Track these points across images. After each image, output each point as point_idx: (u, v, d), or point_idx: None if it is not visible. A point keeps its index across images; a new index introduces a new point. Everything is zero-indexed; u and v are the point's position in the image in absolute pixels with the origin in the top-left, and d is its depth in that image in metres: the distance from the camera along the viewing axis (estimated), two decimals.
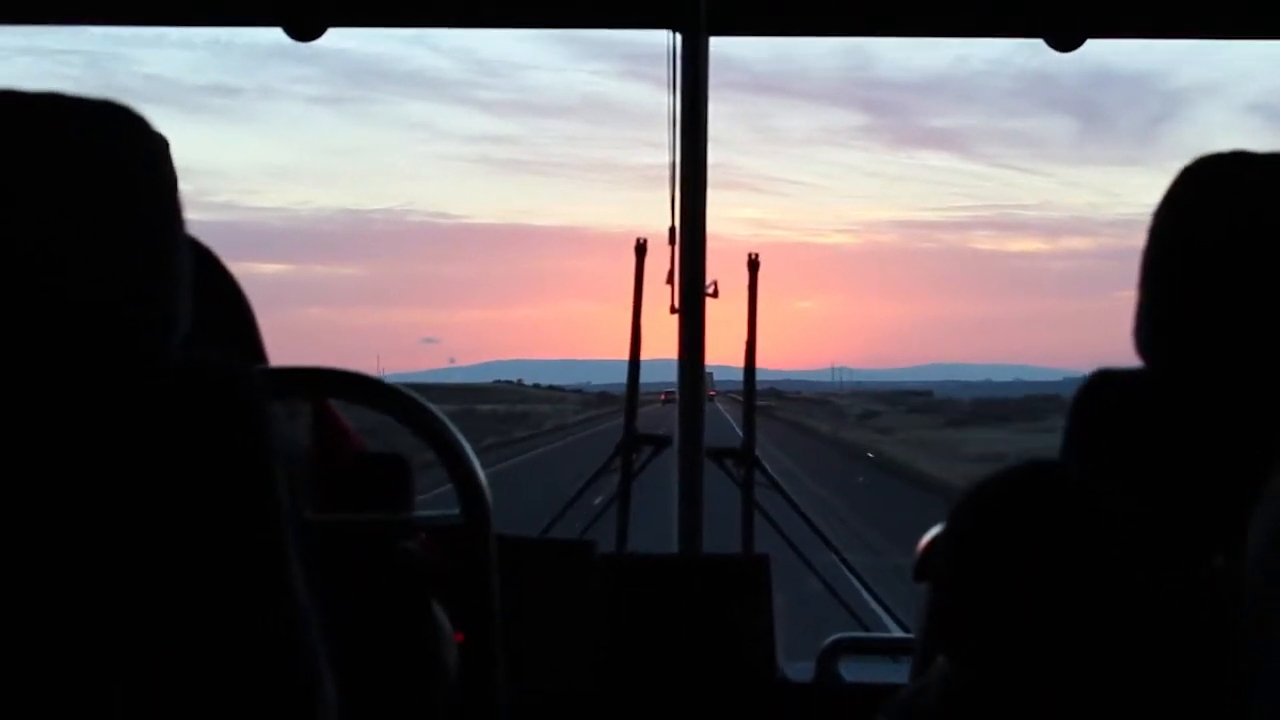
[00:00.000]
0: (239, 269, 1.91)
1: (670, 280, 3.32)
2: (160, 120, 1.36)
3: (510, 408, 72.84)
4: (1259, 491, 1.12)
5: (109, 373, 1.29)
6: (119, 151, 1.32)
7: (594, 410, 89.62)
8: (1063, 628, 1.19)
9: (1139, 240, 1.53)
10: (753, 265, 3.66)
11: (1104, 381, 1.54)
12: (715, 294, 3.31)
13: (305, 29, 3.06)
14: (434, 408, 1.74)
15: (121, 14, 3.25)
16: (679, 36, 3.20)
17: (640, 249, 3.58)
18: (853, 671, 2.99)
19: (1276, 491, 1.09)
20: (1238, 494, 1.17)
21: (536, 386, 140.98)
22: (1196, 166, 1.47)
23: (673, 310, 3.31)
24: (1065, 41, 3.01)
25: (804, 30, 3.40)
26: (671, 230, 3.31)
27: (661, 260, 3.36)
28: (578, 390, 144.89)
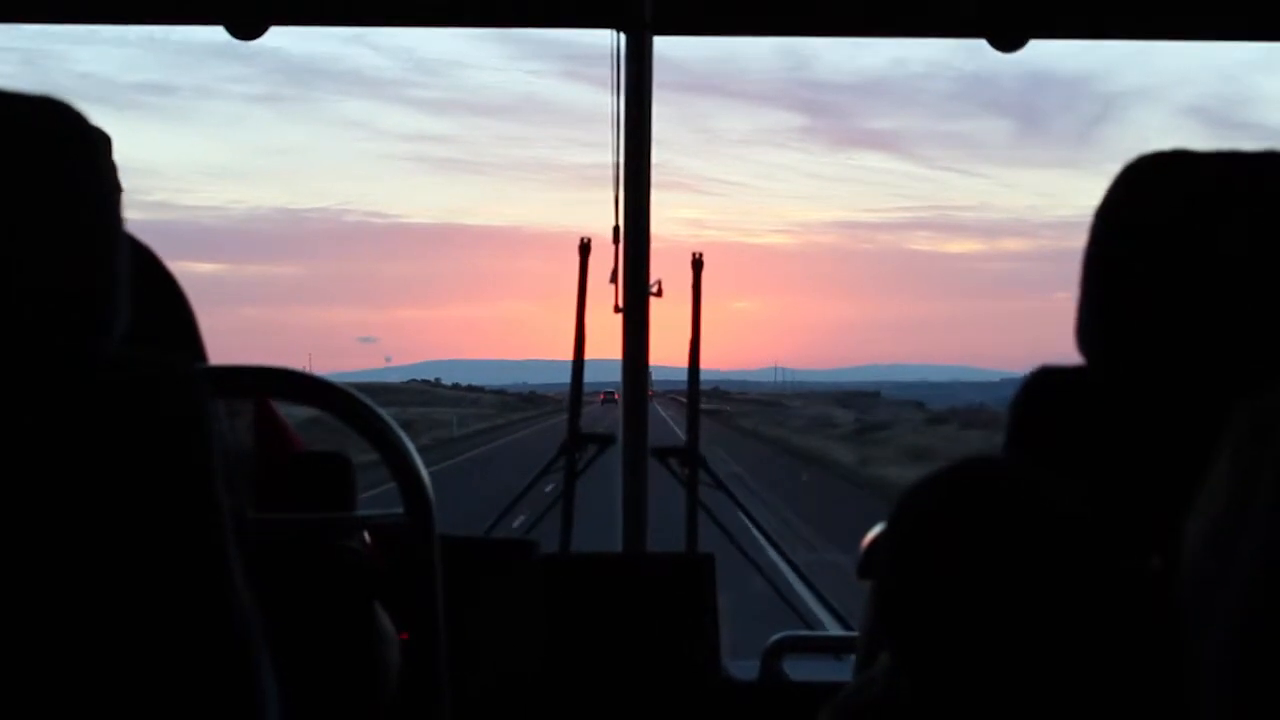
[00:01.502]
0: (173, 268, 1.89)
1: (614, 279, 3.33)
2: (94, 118, 1.35)
3: (401, 411, 56.99)
4: (1196, 491, 1.13)
5: (47, 369, 1.27)
6: (57, 147, 1.30)
7: (507, 415, 73.99)
8: (1003, 624, 1.19)
9: (1076, 242, 1.54)
10: (696, 265, 3.68)
11: (1046, 378, 1.54)
12: (659, 293, 3.33)
13: (246, 27, 3.03)
14: (377, 407, 1.73)
15: (59, 13, 3.21)
16: (623, 36, 3.20)
17: (584, 248, 3.58)
18: (797, 670, 3.00)
19: (1211, 492, 1.10)
20: (1176, 493, 1.18)
21: (456, 386, 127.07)
22: (1139, 164, 1.48)
23: (617, 309, 3.32)
24: (1006, 42, 3.03)
25: (748, 30, 3.41)
26: (615, 229, 3.32)
27: (605, 259, 3.37)
28: (499, 390, 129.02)
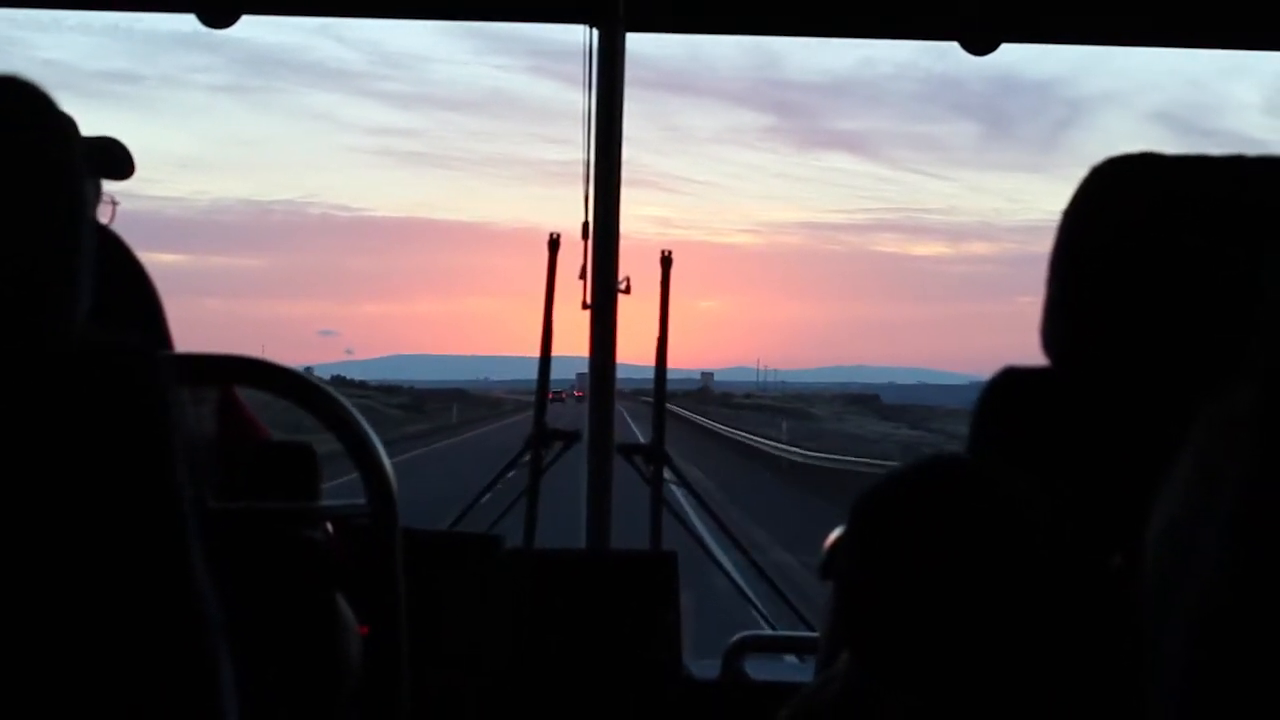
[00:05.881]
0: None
1: (583, 276, 3.32)
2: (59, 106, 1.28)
3: None
4: (1158, 491, 1.14)
5: (7, 350, 1.26)
6: (20, 127, 1.29)
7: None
8: (964, 622, 1.19)
9: (1042, 246, 1.55)
10: (665, 262, 3.67)
11: (1011, 379, 1.55)
12: (628, 290, 3.32)
13: (218, 16, 3.01)
14: (342, 398, 1.72)
15: None
16: (596, 32, 3.20)
17: (553, 244, 3.57)
18: (758, 669, 3.01)
19: (1173, 492, 1.11)
20: (1138, 494, 1.19)
21: (363, 384, 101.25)
22: (1106, 166, 1.49)
23: (585, 306, 3.32)
24: (978, 45, 3.05)
25: (722, 28, 3.41)
26: (585, 225, 3.32)
27: (573, 256, 3.37)
28: (409, 386, 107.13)
